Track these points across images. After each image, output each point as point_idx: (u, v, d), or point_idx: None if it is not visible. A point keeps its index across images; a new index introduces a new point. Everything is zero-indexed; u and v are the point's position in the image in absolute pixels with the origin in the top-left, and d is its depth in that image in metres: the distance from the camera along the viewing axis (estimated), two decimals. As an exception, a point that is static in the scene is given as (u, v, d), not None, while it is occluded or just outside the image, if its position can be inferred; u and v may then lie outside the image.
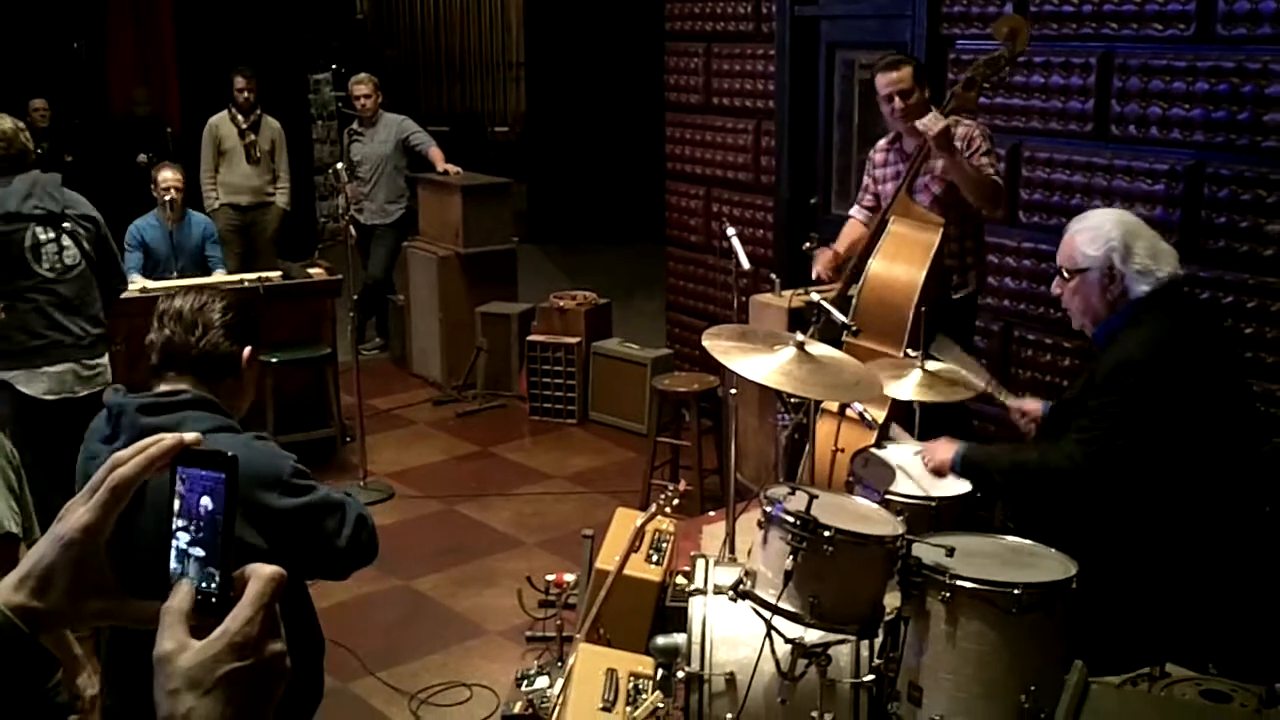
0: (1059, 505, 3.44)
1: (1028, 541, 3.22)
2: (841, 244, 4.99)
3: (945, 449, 3.66)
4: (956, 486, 3.67)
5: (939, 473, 3.66)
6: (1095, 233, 3.37)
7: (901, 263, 4.51)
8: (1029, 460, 3.50)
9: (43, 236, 4.68)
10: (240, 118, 8.26)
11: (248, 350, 2.62)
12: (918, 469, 3.79)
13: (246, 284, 6.53)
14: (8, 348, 4.64)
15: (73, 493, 1.10)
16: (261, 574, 1.02)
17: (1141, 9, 4.83)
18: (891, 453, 3.96)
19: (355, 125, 8.53)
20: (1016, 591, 2.92)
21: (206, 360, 2.56)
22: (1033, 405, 3.81)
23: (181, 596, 1.01)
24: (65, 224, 4.72)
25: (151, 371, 2.62)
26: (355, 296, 6.57)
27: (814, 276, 5.01)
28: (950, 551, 3.01)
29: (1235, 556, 3.33)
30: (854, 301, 4.56)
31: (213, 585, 1.01)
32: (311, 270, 7.09)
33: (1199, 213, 4.72)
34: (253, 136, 8.27)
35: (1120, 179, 4.94)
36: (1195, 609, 3.31)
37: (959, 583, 2.97)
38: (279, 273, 6.94)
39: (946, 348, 4.07)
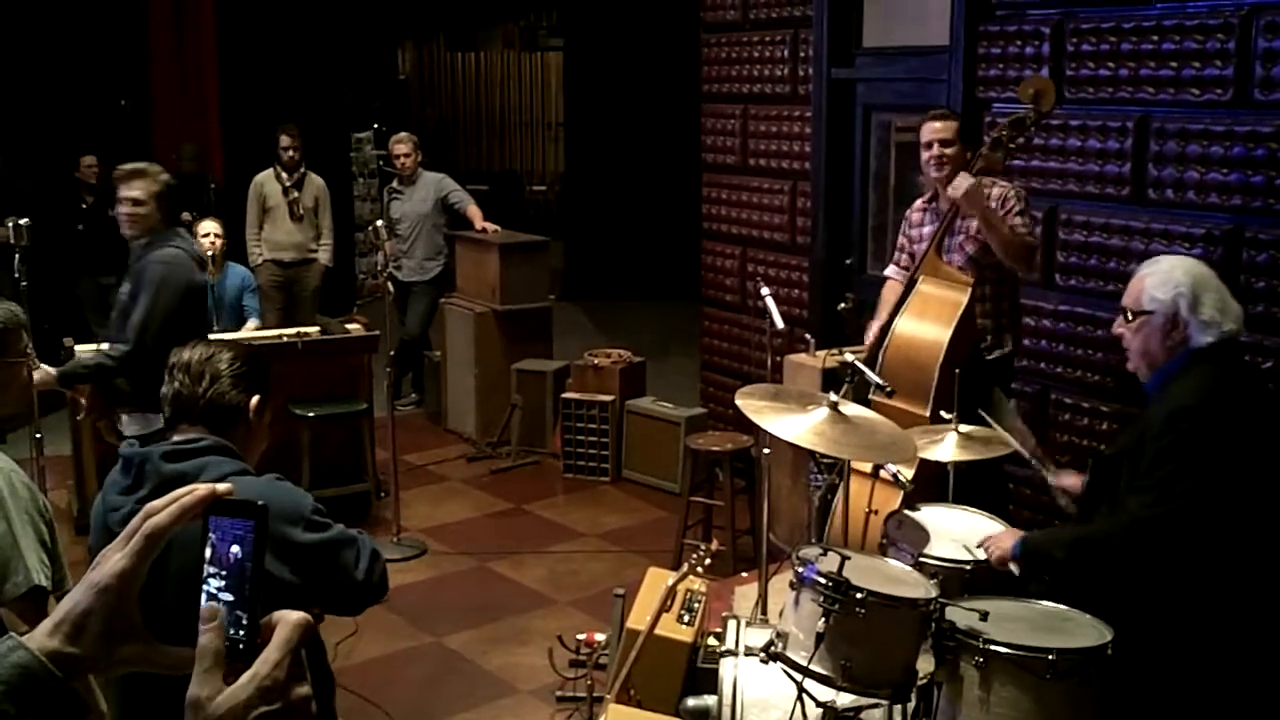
0: (1098, 569, 3.39)
1: (1063, 606, 3.19)
2: (884, 310, 4.96)
3: (1007, 539, 3.48)
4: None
5: (1002, 564, 3.47)
6: (1165, 277, 3.35)
7: (928, 321, 4.50)
8: (1091, 532, 3.33)
9: None
10: (285, 175, 8.33)
11: (255, 399, 2.67)
12: (955, 531, 3.76)
13: (285, 339, 6.61)
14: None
15: None
16: (289, 620, 1.03)
17: (1179, 74, 4.84)
18: (926, 514, 3.92)
19: (395, 183, 8.64)
20: (1051, 657, 2.89)
21: (214, 410, 2.60)
22: (1074, 481, 3.70)
23: (210, 636, 1.02)
24: None
25: (166, 424, 2.68)
26: (392, 352, 6.62)
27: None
28: (984, 616, 2.99)
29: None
30: (879, 360, 4.55)
31: (240, 631, 1.03)
32: (349, 326, 7.15)
33: (1237, 277, 4.68)
34: (296, 194, 8.34)
35: (1157, 242, 4.92)
36: (1236, 678, 3.25)
37: (993, 647, 2.94)
38: (317, 328, 7.01)
39: (1003, 410, 4.02)
